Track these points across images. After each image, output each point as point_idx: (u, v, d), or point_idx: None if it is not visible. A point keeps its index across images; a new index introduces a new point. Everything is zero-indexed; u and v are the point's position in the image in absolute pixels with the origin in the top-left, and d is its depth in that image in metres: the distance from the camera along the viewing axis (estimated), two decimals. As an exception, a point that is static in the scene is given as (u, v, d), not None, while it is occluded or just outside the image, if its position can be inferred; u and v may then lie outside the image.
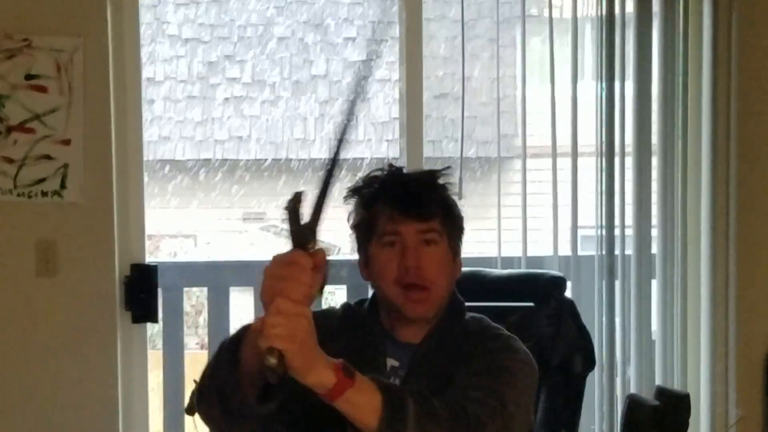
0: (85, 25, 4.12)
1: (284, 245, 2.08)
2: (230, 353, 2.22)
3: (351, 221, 2.54)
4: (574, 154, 4.45)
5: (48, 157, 4.07)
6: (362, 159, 8.41)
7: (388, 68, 8.56)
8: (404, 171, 2.55)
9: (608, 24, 4.37)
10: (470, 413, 2.24)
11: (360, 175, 2.54)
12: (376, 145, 8.58)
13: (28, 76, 4.10)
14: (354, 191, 2.53)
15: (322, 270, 2.07)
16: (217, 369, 2.26)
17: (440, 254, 2.45)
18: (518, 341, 2.51)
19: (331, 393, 2.09)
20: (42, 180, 4.08)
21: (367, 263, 2.51)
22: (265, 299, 2.03)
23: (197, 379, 2.44)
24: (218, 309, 4.91)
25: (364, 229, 2.50)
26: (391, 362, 2.49)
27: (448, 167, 2.55)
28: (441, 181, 2.52)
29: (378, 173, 2.52)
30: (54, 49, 4.08)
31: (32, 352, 4.08)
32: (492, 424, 2.26)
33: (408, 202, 2.44)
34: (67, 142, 4.08)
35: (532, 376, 2.46)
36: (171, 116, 8.81)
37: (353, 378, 2.12)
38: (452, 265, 2.49)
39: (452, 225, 2.50)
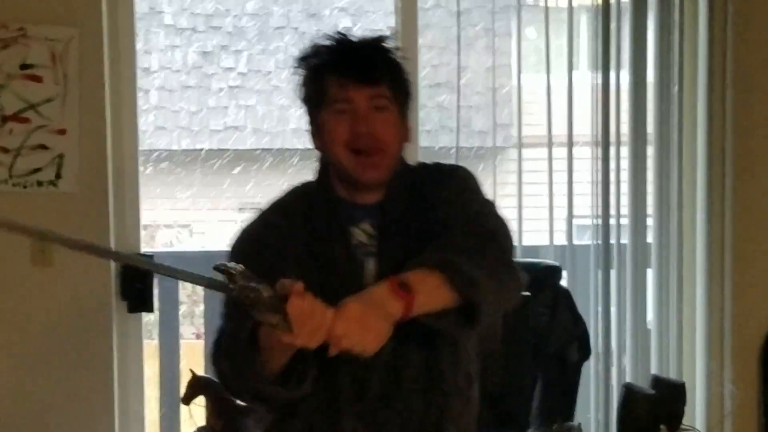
0: (81, 14, 4.11)
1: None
2: (253, 356, 2.28)
3: (300, 94, 2.53)
4: (570, 144, 4.45)
5: (43, 147, 4.07)
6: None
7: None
8: (351, 37, 2.52)
9: (604, 13, 4.37)
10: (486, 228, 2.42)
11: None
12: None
13: (23, 66, 4.09)
14: (302, 60, 2.53)
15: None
16: (242, 372, 2.32)
17: (391, 119, 2.47)
18: (472, 176, 2.58)
19: (405, 314, 2.21)
20: (37, 170, 4.08)
21: (318, 132, 2.52)
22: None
23: (194, 370, 2.46)
24: (214, 299, 4.90)
25: (314, 99, 2.51)
26: (357, 233, 2.49)
27: (394, 33, 2.57)
28: (388, 45, 2.52)
29: (325, 42, 2.51)
30: (49, 39, 4.07)
31: (28, 342, 4.08)
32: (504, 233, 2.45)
33: (357, 69, 2.45)
34: (62, 132, 4.07)
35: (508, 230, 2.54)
36: (166, 106, 8.80)
37: (408, 288, 2.22)
38: (402, 129, 2.51)
39: (401, 90, 2.52)
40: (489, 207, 2.54)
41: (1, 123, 4.10)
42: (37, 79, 4.09)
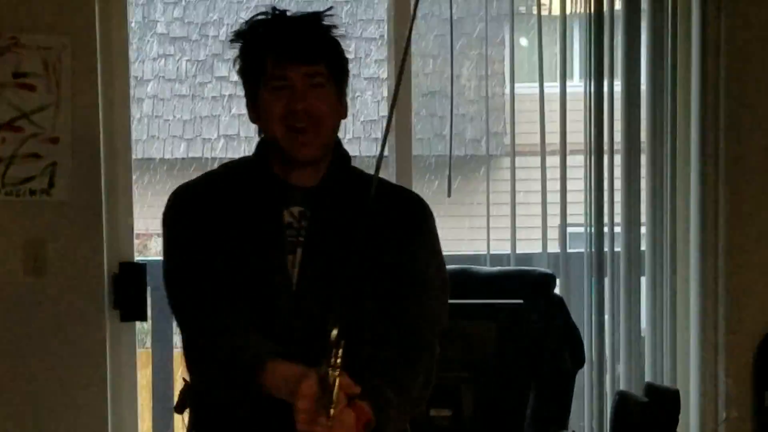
0: (74, 23, 4.11)
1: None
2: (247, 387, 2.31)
3: (237, 66, 2.54)
4: (563, 152, 4.45)
5: (36, 156, 4.06)
6: (353, 157, 8.42)
7: (377, 66, 8.58)
8: (288, 14, 2.52)
9: (597, 22, 4.37)
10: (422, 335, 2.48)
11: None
12: (365, 143, 8.57)
13: (16, 74, 4.08)
14: (238, 35, 2.53)
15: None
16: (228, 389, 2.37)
17: (328, 97, 2.47)
18: (432, 219, 2.61)
19: None
20: (30, 178, 4.07)
21: (254, 106, 2.52)
22: None
23: (186, 377, 2.46)
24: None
25: (252, 75, 2.51)
26: (288, 215, 2.49)
27: (330, 8, 2.54)
28: (326, 22, 2.52)
29: (262, 17, 2.51)
30: (42, 47, 4.06)
31: (20, 350, 4.07)
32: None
33: (294, 47, 2.45)
34: (55, 141, 4.06)
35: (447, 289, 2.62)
36: (159, 115, 8.80)
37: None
38: (338, 106, 2.52)
39: (339, 68, 2.53)
40: (433, 271, 2.57)
41: (-7, 131, 4.10)
42: (30, 87, 4.08)
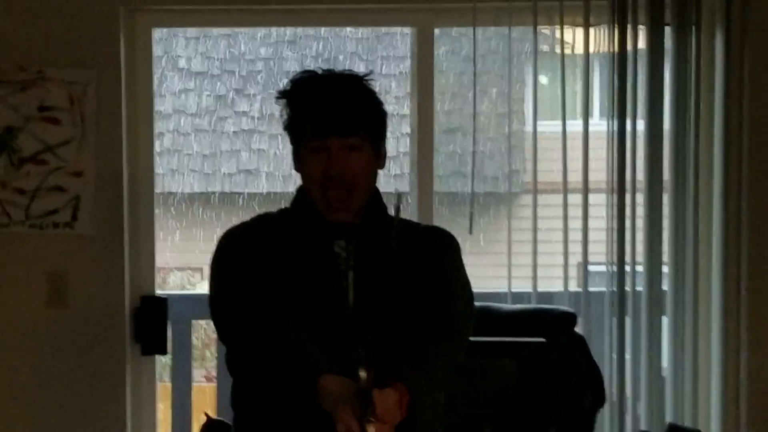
0: (99, 57, 4.14)
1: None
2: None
3: (283, 123, 2.71)
4: (585, 190, 4.44)
5: (60, 189, 4.08)
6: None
7: (396, 102, 8.59)
8: (329, 77, 2.66)
9: (620, 61, 4.37)
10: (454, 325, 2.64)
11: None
12: (384, 179, 8.55)
13: (42, 108, 4.12)
14: (283, 95, 2.68)
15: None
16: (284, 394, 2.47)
17: (364, 159, 2.63)
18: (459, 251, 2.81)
19: None
20: (54, 211, 4.09)
21: (297, 157, 2.69)
22: None
23: (208, 413, 2.51)
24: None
25: (294, 133, 2.67)
26: (337, 247, 2.66)
27: (371, 71, 2.70)
28: (364, 90, 2.65)
29: (305, 77, 2.66)
30: (67, 81, 4.09)
31: (42, 382, 4.08)
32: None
33: (334, 119, 2.58)
34: (79, 174, 4.09)
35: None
36: (180, 149, 8.82)
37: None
38: (375, 162, 2.68)
39: (376, 130, 2.67)
40: (463, 290, 2.76)
41: (18, 164, 4.13)
42: (55, 121, 4.11)
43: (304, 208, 2.69)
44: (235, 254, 2.64)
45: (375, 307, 2.55)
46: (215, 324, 2.67)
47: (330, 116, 2.58)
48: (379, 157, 2.69)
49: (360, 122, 2.61)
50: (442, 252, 2.76)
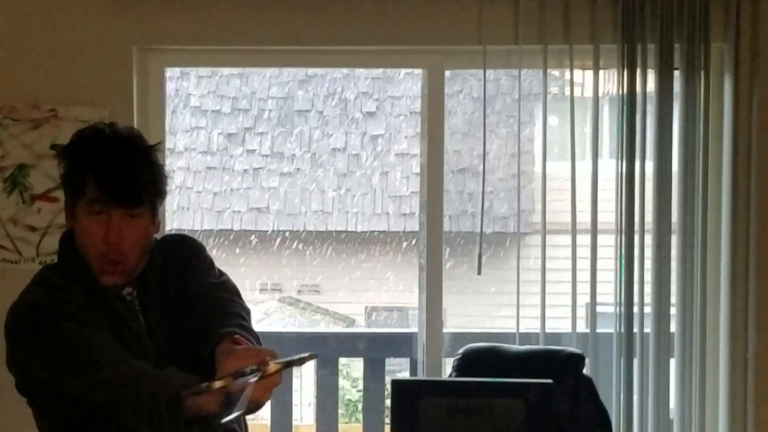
0: (111, 96, 4.17)
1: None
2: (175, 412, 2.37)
3: (61, 172, 2.65)
4: (594, 231, 4.45)
5: (71, 226, 4.10)
6: (380, 232, 8.44)
7: (408, 142, 8.63)
8: (115, 139, 2.62)
9: (629, 103, 4.40)
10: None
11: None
12: (393, 218, 8.60)
13: (54, 146, 4.14)
14: (65, 154, 2.64)
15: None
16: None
17: (142, 226, 2.63)
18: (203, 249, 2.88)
19: None
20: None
21: (73, 216, 2.64)
22: None
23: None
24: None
25: (72, 189, 2.62)
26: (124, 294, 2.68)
27: (160, 142, 2.73)
28: (152, 158, 2.64)
29: (89, 137, 2.62)
30: (80, 120, 4.11)
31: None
32: None
33: (120, 189, 2.56)
34: (90, 212, 4.10)
35: None
36: (190, 186, 8.86)
37: None
38: (152, 227, 2.68)
39: (156, 199, 2.66)
40: (221, 273, 2.84)
41: (30, 202, 4.15)
42: (67, 158, 4.13)
43: (76, 266, 2.66)
44: (45, 324, 2.55)
45: (171, 342, 2.65)
46: (64, 388, 2.54)
47: (116, 186, 2.56)
48: (155, 223, 2.69)
49: (145, 194, 2.60)
50: (193, 257, 2.80)
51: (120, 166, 2.58)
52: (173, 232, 7.76)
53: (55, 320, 2.53)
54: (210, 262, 2.83)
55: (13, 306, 2.62)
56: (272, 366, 2.31)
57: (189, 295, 2.71)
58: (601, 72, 4.44)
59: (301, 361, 2.38)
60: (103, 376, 2.43)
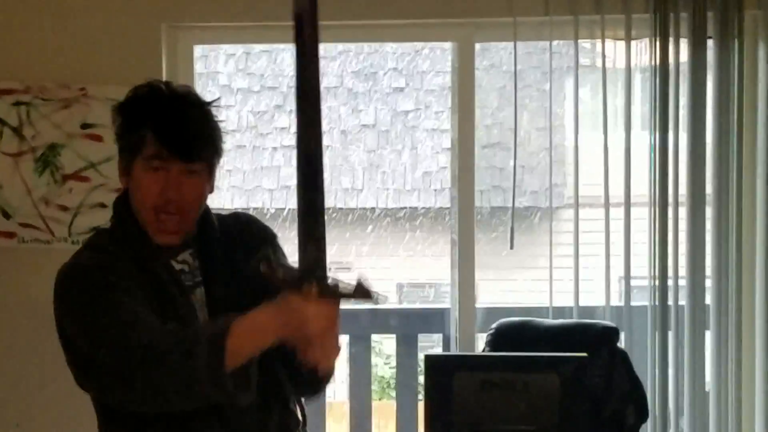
0: (141, 74, 4.12)
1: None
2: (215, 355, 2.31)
3: (116, 130, 2.61)
4: (627, 204, 4.42)
5: (102, 206, 4.10)
6: (412, 208, 8.42)
7: (436, 117, 8.60)
8: (172, 95, 2.58)
9: (662, 74, 4.36)
10: None
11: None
12: (424, 194, 8.58)
13: (84, 125, 4.15)
14: (120, 110, 2.59)
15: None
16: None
17: (201, 185, 2.57)
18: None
19: None
20: (96, 228, 4.11)
21: (128, 173, 2.59)
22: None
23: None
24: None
25: (130, 147, 2.56)
26: (177, 264, 2.60)
27: (219, 98, 2.68)
28: (210, 116, 2.60)
29: (145, 93, 2.57)
30: (110, 98, 4.10)
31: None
32: None
33: (180, 143, 2.52)
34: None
35: None
36: (221, 165, 8.88)
37: None
38: (208, 187, 2.62)
39: (215, 156, 2.61)
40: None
41: (61, 181, 4.16)
42: (98, 138, 4.14)
43: (128, 229, 2.61)
44: (87, 291, 2.50)
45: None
46: (89, 356, 2.51)
47: (176, 139, 2.51)
48: (211, 183, 2.64)
49: (204, 149, 2.56)
50: (269, 239, 2.75)
51: (179, 120, 2.54)
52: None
53: (98, 289, 2.48)
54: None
55: (63, 268, 2.58)
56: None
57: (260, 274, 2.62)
58: (633, 42, 4.40)
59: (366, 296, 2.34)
60: (139, 342, 2.37)
